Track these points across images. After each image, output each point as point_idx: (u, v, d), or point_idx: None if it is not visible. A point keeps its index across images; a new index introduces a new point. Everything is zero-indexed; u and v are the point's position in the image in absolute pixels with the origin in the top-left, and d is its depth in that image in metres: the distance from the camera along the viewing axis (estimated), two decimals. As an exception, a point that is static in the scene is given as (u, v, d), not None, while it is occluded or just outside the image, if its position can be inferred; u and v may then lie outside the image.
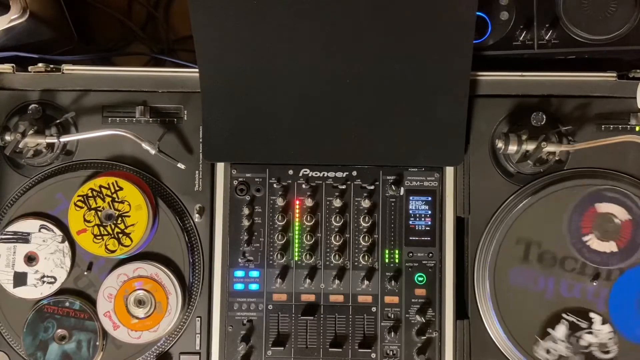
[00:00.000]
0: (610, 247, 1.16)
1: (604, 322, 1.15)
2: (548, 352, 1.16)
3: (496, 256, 1.19)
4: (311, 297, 1.22)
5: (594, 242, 1.16)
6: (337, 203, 1.22)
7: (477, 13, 1.19)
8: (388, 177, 1.23)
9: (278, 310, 1.22)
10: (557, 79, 1.23)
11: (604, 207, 1.16)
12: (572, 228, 1.16)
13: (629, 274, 1.17)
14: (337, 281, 1.21)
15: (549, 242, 1.18)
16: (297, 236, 1.23)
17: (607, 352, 1.15)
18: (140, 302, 1.17)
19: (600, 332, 1.15)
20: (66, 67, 1.24)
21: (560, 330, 1.16)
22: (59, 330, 1.17)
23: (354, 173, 1.23)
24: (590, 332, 1.15)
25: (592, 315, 1.16)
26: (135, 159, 1.23)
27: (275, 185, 1.23)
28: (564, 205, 1.17)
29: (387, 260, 1.22)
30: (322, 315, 1.21)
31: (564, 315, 1.16)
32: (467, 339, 1.21)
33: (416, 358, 1.20)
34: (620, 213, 1.15)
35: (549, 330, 1.16)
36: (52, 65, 1.24)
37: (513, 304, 1.18)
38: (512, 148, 1.17)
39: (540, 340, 1.16)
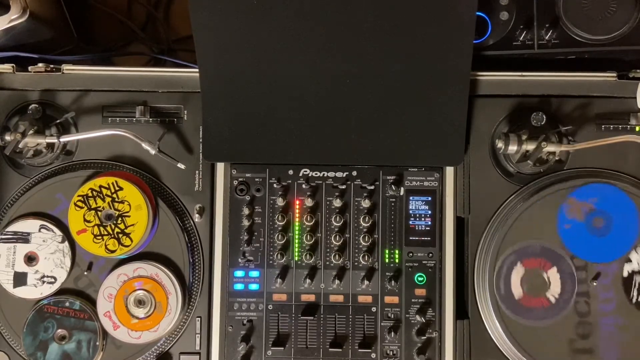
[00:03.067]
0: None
1: None
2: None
3: (496, 256, 1.19)
4: (311, 297, 1.22)
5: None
6: (337, 203, 1.22)
7: (477, 13, 1.19)
8: (388, 177, 1.23)
9: (278, 310, 1.22)
10: (557, 79, 1.23)
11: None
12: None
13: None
14: (337, 281, 1.21)
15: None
16: (297, 236, 1.23)
17: None
18: (140, 302, 1.17)
19: None
20: (66, 67, 1.24)
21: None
22: (59, 330, 1.17)
23: (354, 173, 1.23)
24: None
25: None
26: (135, 159, 1.23)
27: (275, 185, 1.23)
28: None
29: (387, 260, 1.22)
30: (322, 315, 1.21)
31: None
32: (467, 339, 1.21)
33: (416, 358, 1.20)
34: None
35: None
36: (52, 65, 1.24)
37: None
38: (512, 148, 1.17)
39: None
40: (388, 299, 1.21)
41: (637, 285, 1.17)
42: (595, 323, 1.17)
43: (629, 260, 1.17)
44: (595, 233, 1.16)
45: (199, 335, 1.21)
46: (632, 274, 1.17)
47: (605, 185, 1.17)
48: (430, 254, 1.22)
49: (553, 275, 1.17)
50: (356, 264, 1.22)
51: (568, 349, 1.17)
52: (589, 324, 1.17)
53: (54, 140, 1.17)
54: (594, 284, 1.17)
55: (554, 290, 1.16)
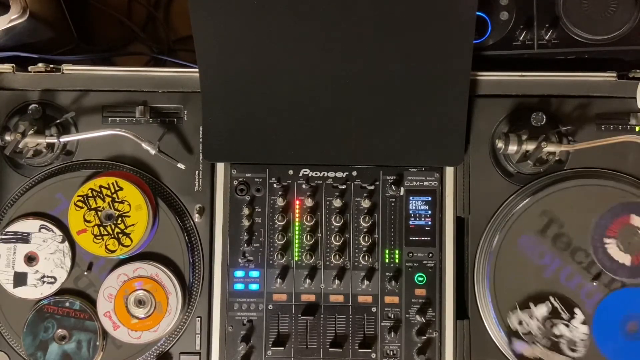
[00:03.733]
0: (625, 259, 1.16)
1: (584, 323, 1.15)
2: (520, 323, 1.16)
3: (496, 256, 1.19)
4: (311, 297, 1.22)
5: (612, 247, 1.16)
6: (337, 203, 1.22)
7: (477, 13, 1.19)
8: (388, 177, 1.23)
9: (278, 310, 1.22)
10: (557, 79, 1.23)
11: (637, 221, 1.16)
12: (599, 225, 1.17)
13: (626, 292, 1.17)
14: (337, 281, 1.21)
15: (572, 227, 1.18)
16: (297, 236, 1.23)
17: (573, 350, 1.15)
18: (140, 302, 1.17)
19: (577, 330, 1.15)
20: (66, 67, 1.24)
21: (541, 310, 1.16)
22: (59, 330, 1.17)
23: (354, 173, 1.23)
24: (566, 325, 1.15)
25: (576, 311, 1.16)
26: (135, 159, 1.23)
27: (275, 185, 1.23)
28: (602, 200, 1.17)
29: (387, 260, 1.22)
30: (322, 315, 1.21)
31: (551, 299, 1.16)
32: (467, 339, 1.21)
33: (416, 358, 1.20)
34: None
35: (531, 304, 1.16)
36: (52, 65, 1.24)
37: (510, 268, 1.18)
38: (512, 148, 1.17)
39: (519, 310, 1.16)
40: (388, 299, 1.21)
41: None
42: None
43: None
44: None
45: (199, 335, 1.21)
46: None
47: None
48: (430, 254, 1.22)
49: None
50: (356, 264, 1.22)
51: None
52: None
53: (54, 140, 1.17)
54: (594, 284, 1.17)
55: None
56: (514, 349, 1.16)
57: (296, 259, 1.22)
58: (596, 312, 1.16)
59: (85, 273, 1.20)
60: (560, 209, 1.19)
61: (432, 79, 1.17)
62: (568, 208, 1.18)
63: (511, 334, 1.16)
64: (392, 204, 1.23)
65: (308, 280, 1.21)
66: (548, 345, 1.15)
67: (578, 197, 1.19)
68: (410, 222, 1.23)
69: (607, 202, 1.18)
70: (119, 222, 1.17)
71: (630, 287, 1.17)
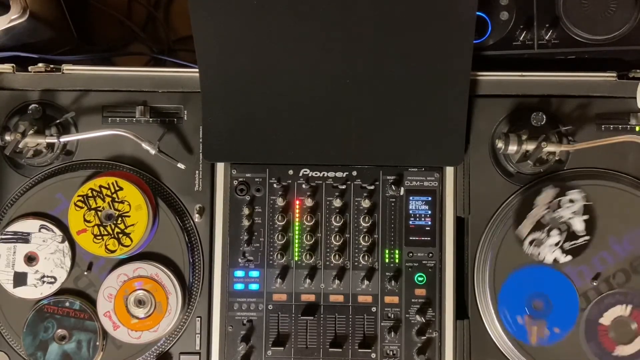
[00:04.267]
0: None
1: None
2: (532, 242, 1.17)
3: (496, 256, 1.19)
4: (311, 297, 1.22)
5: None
6: (337, 203, 1.22)
7: (477, 13, 1.19)
8: (388, 177, 1.23)
9: (278, 310, 1.22)
10: (557, 79, 1.23)
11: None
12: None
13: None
14: (337, 281, 1.21)
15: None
16: (297, 236, 1.23)
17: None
18: (140, 302, 1.17)
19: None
20: (66, 67, 1.24)
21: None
22: (59, 330, 1.17)
23: (354, 173, 1.23)
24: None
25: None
26: (135, 159, 1.23)
27: (275, 185, 1.23)
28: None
29: (387, 260, 1.22)
30: (322, 315, 1.21)
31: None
32: (467, 339, 1.21)
33: (416, 358, 1.20)
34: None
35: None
36: (52, 65, 1.24)
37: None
38: (512, 148, 1.17)
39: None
40: (388, 299, 1.21)
41: None
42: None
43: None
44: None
45: (199, 335, 1.21)
46: None
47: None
48: (430, 254, 1.22)
49: None
50: (356, 264, 1.22)
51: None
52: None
53: (54, 140, 1.17)
54: (594, 283, 1.18)
55: None
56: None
57: (296, 259, 1.22)
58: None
59: (85, 273, 1.20)
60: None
61: (432, 79, 1.17)
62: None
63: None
64: (392, 204, 1.23)
65: (308, 280, 1.21)
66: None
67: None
68: (410, 222, 1.23)
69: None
70: (119, 222, 1.17)
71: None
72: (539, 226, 1.16)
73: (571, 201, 1.15)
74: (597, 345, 1.15)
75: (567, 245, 1.16)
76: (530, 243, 1.16)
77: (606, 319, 1.15)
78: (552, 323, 1.16)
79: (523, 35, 1.28)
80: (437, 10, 1.13)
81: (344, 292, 1.22)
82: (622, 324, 1.15)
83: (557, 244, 1.16)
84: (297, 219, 1.23)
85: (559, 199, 1.16)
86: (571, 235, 1.16)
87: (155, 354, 1.20)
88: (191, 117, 1.23)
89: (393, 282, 1.21)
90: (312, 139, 1.20)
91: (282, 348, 1.20)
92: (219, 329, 1.21)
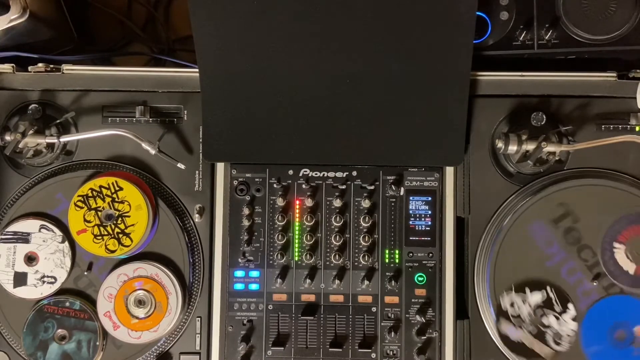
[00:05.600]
0: (629, 267, 1.16)
1: (574, 319, 1.16)
2: (512, 305, 1.16)
3: (496, 256, 1.19)
4: (311, 297, 1.22)
5: (620, 253, 1.16)
6: (337, 203, 1.22)
7: (477, 13, 1.19)
8: (388, 177, 1.23)
9: (278, 310, 1.22)
10: (557, 79, 1.23)
11: None
12: (613, 228, 1.17)
13: (623, 299, 1.17)
14: (337, 281, 1.21)
15: (586, 224, 1.18)
16: (297, 236, 1.23)
17: (557, 343, 1.15)
18: (140, 302, 1.17)
19: (566, 324, 1.15)
20: (66, 67, 1.24)
21: (536, 297, 1.16)
22: (59, 330, 1.17)
23: (354, 173, 1.23)
24: (557, 318, 1.16)
25: (570, 306, 1.16)
26: (135, 159, 1.23)
27: (275, 185, 1.23)
28: (623, 204, 1.18)
29: (387, 260, 1.22)
30: (322, 315, 1.21)
31: (548, 288, 1.16)
32: (467, 339, 1.21)
33: (416, 358, 1.20)
34: None
35: (527, 289, 1.17)
36: (52, 65, 1.24)
37: (515, 250, 1.18)
38: (512, 148, 1.17)
39: (514, 291, 1.16)
40: (388, 299, 1.21)
41: None
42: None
43: None
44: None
45: (199, 335, 1.21)
46: None
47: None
48: (430, 254, 1.22)
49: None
50: (356, 264, 1.22)
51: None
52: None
53: (54, 140, 1.17)
54: (594, 283, 1.18)
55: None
56: (499, 328, 1.16)
57: (296, 259, 1.22)
58: (589, 311, 1.16)
59: (85, 273, 1.20)
60: (579, 205, 1.18)
61: (432, 79, 1.17)
62: (587, 205, 1.18)
63: (500, 313, 1.17)
64: (392, 204, 1.23)
65: (308, 280, 1.21)
66: (534, 333, 1.15)
67: (600, 196, 1.18)
68: (410, 222, 1.23)
69: (627, 208, 1.18)
70: (119, 222, 1.17)
71: (627, 295, 1.17)
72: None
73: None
74: None
75: (558, 309, 1.17)
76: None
77: None
78: None
79: (523, 35, 1.28)
80: (437, 10, 1.13)
81: (344, 292, 1.22)
82: None
83: (557, 318, 1.16)
84: (297, 219, 1.23)
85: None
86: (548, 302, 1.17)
87: (155, 354, 1.20)
88: (191, 117, 1.23)
89: (393, 282, 1.21)
90: (312, 139, 1.20)
91: (282, 348, 1.20)
92: (219, 329, 1.21)
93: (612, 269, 1.17)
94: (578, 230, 1.18)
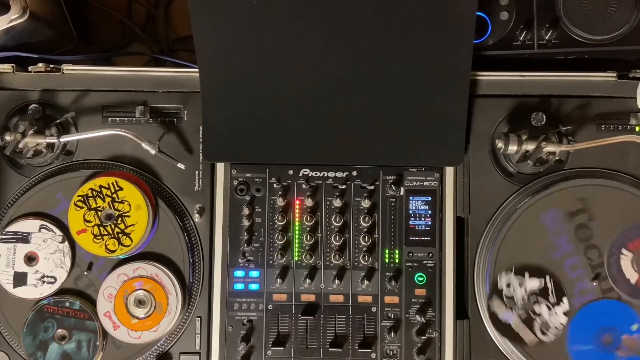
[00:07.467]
0: (632, 275, 1.17)
1: (565, 314, 1.16)
2: (508, 285, 1.17)
3: (496, 256, 1.19)
4: (311, 297, 1.22)
5: (626, 260, 1.16)
6: (337, 203, 1.22)
7: (477, 13, 1.19)
8: (388, 177, 1.23)
9: (278, 310, 1.22)
10: (557, 79, 1.23)
11: None
12: (624, 235, 1.17)
13: (617, 305, 1.17)
14: (337, 281, 1.21)
15: (599, 224, 1.18)
16: (297, 236, 1.23)
17: (543, 333, 1.15)
18: (140, 302, 1.17)
19: (556, 316, 1.16)
20: (66, 67, 1.24)
21: (533, 283, 1.16)
22: (59, 330, 1.17)
23: (354, 173, 1.23)
24: (549, 308, 1.16)
25: (564, 300, 1.16)
26: (135, 159, 1.23)
27: (275, 185, 1.23)
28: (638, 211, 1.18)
29: (387, 260, 1.22)
30: (322, 315, 1.21)
31: (547, 278, 1.17)
32: (467, 339, 1.21)
33: (416, 358, 1.20)
34: None
35: (526, 274, 1.17)
36: (52, 65, 1.24)
37: (523, 233, 1.19)
38: (512, 148, 1.17)
39: (513, 273, 1.17)
40: (388, 299, 1.21)
41: None
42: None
43: None
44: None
45: (199, 335, 1.21)
46: None
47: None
48: (430, 254, 1.22)
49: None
50: (356, 264, 1.22)
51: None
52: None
53: (54, 140, 1.17)
54: (594, 283, 1.18)
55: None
56: (490, 305, 1.17)
57: (296, 259, 1.22)
58: (581, 309, 1.17)
59: (85, 273, 1.20)
60: (595, 204, 1.18)
61: (432, 79, 1.17)
62: (602, 206, 1.18)
63: (495, 291, 1.17)
64: (392, 204, 1.23)
65: (308, 280, 1.21)
66: (523, 317, 1.16)
67: (619, 200, 1.19)
68: (410, 222, 1.23)
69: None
70: (119, 222, 1.17)
71: (623, 302, 1.17)
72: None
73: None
74: None
75: (552, 299, 1.17)
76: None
77: None
78: None
79: (523, 35, 1.28)
80: (437, 11, 1.13)
81: (344, 292, 1.22)
82: None
83: (549, 308, 1.16)
84: (297, 219, 1.23)
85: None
86: (544, 291, 1.17)
87: (155, 354, 1.20)
88: (191, 117, 1.23)
89: (393, 282, 1.21)
90: (312, 139, 1.20)
91: (282, 348, 1.20)
92: (219, 329, 1.21)
93: (615, 274, 1.17)
94: (590, 229, 1.18)
